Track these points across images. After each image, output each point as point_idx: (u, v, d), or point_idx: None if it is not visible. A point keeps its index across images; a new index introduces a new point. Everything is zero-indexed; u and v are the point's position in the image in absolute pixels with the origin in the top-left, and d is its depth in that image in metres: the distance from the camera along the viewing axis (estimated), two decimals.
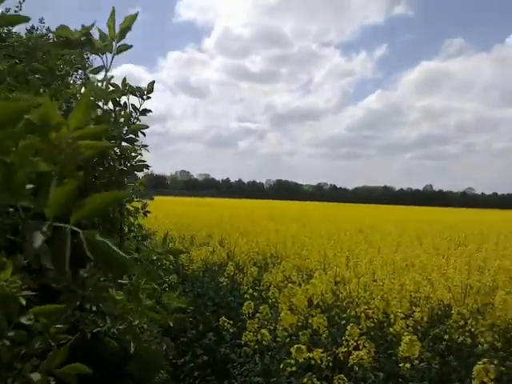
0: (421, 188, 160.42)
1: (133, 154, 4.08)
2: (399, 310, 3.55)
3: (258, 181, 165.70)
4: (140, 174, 4.13)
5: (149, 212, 4.78)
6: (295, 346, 3.56)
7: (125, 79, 3.72)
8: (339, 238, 8.26)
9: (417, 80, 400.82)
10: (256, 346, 4.22)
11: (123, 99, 3.83)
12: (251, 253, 7.00)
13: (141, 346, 4.43)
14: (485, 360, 2.55)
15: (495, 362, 2.80)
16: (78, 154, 0.95)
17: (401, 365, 2.99)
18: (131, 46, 1.78)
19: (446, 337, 3.39)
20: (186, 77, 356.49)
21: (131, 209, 4.60)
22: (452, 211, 43.51)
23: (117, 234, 3.00)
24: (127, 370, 4.09)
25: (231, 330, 5.04)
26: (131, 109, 3.67)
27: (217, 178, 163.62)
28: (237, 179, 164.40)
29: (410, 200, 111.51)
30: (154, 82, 3.51)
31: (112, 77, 2.63)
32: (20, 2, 6.50)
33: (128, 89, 3.63)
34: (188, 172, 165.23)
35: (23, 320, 1.23)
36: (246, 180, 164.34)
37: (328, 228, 10.83)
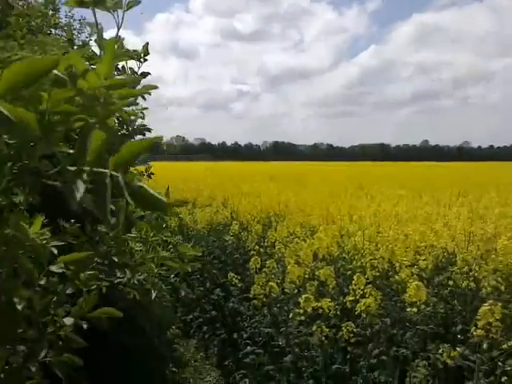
0: (417, 144, 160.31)
1: (132, 117, 4.10)
2: (404, 259, 3.64)
3: (254, 143, 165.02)
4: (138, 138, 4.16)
5: (153, 174, 4.85)
6: (303, 296, 3.68)
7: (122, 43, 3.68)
8: (340, 194, 8.34)
9: (410, 33, 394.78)
10: (264, 299, 4.34)
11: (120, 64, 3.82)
12: (254, 211, 7.09)
13: (154, 302, 4.55)
14: (490, 301, 2.65)
15: (499, 305, 2.90)
16: (112, 103, 0.98)
17: (408, 309, 3.10)
18: (140, 2, 1.78)
19: (451, 283, 3.50)
20: (175, 39, 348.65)
21: (135, 172, 4.67)
22: (449, 165, 43.63)
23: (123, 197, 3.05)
24: (139, 325, 4.22)
25: (239, 285, 5.18)
26: (129, 72, 3.67)
27: (213, 142, 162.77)
28: (233, 142, 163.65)
29: (407, 156, 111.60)
30: (147, 43, 3.49)
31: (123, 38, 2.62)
32: None
33: (126, 52, 3.61)
34: (183, 137, 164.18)
35: (54, 268, 1.29)
36: (242, 143, 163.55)
37: (328, 186, 10.91)
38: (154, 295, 2.14)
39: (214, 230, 7.31)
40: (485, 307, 2.63)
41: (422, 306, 3.03)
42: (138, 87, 3.14)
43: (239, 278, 5.13)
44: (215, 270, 6.41)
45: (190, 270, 2.24)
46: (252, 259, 4.82)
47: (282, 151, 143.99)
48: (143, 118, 4.10)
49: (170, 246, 7.09)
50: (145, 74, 3.64)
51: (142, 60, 3.58)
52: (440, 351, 2.62)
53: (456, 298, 3.52)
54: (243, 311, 5.05)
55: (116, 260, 2.07)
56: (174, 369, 4.93)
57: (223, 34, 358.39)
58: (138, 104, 3.90)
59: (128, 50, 3.58)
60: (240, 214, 7.32)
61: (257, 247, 5.41)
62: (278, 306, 4.42)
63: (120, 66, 3.72)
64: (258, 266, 4.73)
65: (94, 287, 1.42)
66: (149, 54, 3.52)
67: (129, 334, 4.03)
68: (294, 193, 8.75)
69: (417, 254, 3.88)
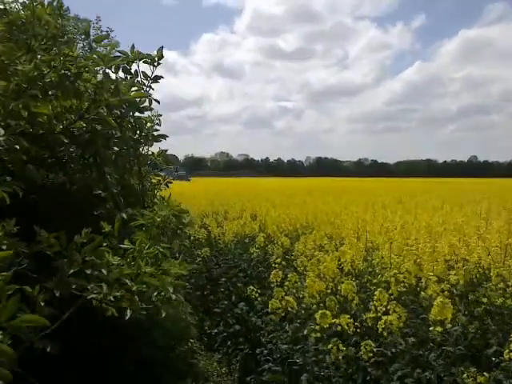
0: (465, 160, 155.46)
1: (149, 124, 3.95)
2: (431, 273, 3.30)
3: (297, 159, 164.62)
4: (156, 146, 4.02)
5: (170, 182, 4.70)
6: (320, 311, 3.40)
7: (133, 46, 3.57)
8: (376, 208, 7.97)
9: (456, 49, 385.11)
10: (283, 314, 4.09)
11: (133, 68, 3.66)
12: (282, 223, 6.85)
13: (166, 313, 4.36)
14: None
15: None
16: None
17: (431, 328, 2.77)
18: None
19: (485, 300, 3.13)
20: (220, 59, 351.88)
21: (154, 181, 4.50)
22: (496, 181, 41.84)
23: (139, 206, 2.91)
24: (152, 337, 4.05)
25: (259, 299, 4.94)
26: (142, 76, 3.53)
27: (256, 158, 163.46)
28: (276, 158, 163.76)
29: (454, 172, 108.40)
30: (162, 47, 3.36)
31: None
32: None
33: (137, 55, 3.48)
34: (227, 153, 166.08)
35: None
36: (285, 159, 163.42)
37: (366, 200, 10.50)
38: (128, 314, 1.93)
39: (242, 243, 7.11)
40: None
41: (449, 325, 2.70)
42: (153, 94, 2.97)
43: (259, 291, 4.90)
44: (240, 284, 6.19)
45: (171, 290, 2.02)
46: (273, 272, 4.57)
47: (325, 167, 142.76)
48: (159, 124, 3.93)
49: (199, 259, 6.86)
50: (157, 78, 3.51)
51: (155, 64, 3.43)
52: (465, 376, 2.29)
53: (491, 317, 3.14)
54: (263, 326, 4.79)
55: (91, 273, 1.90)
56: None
57: (267, 53, 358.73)
58: (152, 109, 3.74)
59: (140, 53, 3.45)
60: (268, 226, 7.08)
61: (278, 260, 5.14)
62: (298, 321, 4.15)
63: (133, 70, 3.59)
64: (279, 279, 4.48)
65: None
66: (163, 57, 3.37)
67: (139, 346, 3.87)
68: (328, 205, 8.44)
69: (451, 269, 3.52)
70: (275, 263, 5.11)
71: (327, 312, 3.39)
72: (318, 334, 3.42)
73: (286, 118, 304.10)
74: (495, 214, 6.17)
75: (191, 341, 5.10)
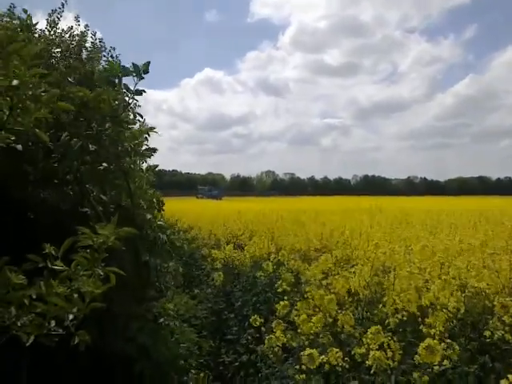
0: None
1: (139, 139, 3.75)
2: (426, 302, 2.91)
3: (344, 177, 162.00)
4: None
5: (163, 203, 4.47)
6: (307, 351, 3.04)
7: (119, 62, 3.42)
8: (397, 228, 7.50)
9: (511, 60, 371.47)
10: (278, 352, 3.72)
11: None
12: (296, 244, 6.52)
13: (154, 344, 4.12)
14: None
15: None
16: None
17: (415, 375, 2.37)
18: None
19: (487, 333, 2.70)
20: (265, 76, 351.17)
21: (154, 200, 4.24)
22: None
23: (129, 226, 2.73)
24: (138, 369, 3.83)
25: (263, 329, 4.60)
26: (124, 89, 3.38)
27: (302, 177, 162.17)
28: (322, 177, 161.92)
29: (509, 190, 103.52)
30: (149, 62, 3.23)
31: None
32: None
33: (121, 70, 3.34)
34: (273, 172, 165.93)
35: None
36: (331, 177, 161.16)
37: (393, 220, 9.92)
38: (29, 342, 1.71)
39: (257, 265, 6.82)
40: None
41: (436, 367, 2.31)
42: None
43: (262, 320, 4.55)
44: (246, 309, 5.89)
45: (75, 311, 1.79)
46: (281, 303, 4.11)
47: (372, 185, 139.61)
48: (147, 139, 3.71)
49: (213, 282, 6.54)
50: (139, 92, 3.34)
51: (137, 77, 3.27)
52: None
53: (489, 353, 2.70)
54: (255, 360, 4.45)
55: None
56: None
57: (312, 69, 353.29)
58: (134, 123, 3.54)
59: (125, 68, 3.28)
60: (284, 247, 6.76)
61: (284, 285, 4.77)
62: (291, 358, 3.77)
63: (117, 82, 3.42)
64: (286, 311, 4.04)
65: None
66: (148, 72, 3.22)
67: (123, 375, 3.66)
68: (349, 226, 8.02)
69: (451, 295, 3.09)
70: (281, 288, 4.72)
71: (314, 352, 3.02)
72: (303, 376, 3.07)
73: (333, 136, 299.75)
74: None
75: (192, 371, 4.81)
